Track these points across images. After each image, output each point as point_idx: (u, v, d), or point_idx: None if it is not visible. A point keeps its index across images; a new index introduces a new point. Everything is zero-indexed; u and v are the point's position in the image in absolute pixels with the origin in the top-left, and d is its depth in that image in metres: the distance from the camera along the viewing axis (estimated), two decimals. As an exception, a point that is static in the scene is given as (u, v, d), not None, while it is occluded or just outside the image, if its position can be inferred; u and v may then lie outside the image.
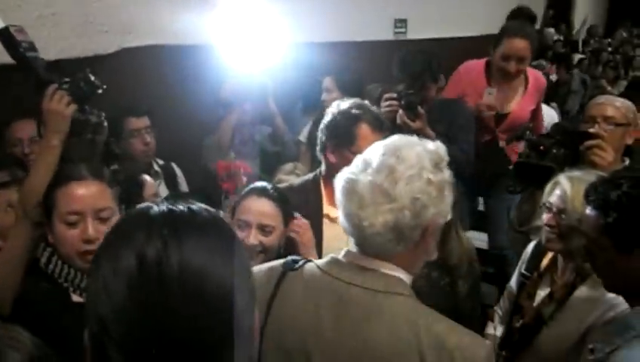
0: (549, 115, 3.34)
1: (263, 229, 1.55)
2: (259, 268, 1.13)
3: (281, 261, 1.13)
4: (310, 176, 1.83)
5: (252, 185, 1.67)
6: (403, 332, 0.95)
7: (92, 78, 1.46)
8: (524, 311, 1.60)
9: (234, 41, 2.53)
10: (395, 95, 2.29)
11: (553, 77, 6.72)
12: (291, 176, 2.16)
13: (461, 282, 1.70)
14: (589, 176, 1.43)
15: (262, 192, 1.61)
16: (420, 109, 2.23)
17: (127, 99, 2.31)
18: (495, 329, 1.78)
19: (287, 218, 1.62)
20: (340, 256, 1.07)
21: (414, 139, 1.06)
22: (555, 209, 1.51)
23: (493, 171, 2.66)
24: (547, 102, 5.92)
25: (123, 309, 0.60)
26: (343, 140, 1.67)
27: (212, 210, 0.70)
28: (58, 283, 1.31)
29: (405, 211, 0.96)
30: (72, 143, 1.39)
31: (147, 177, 1.99)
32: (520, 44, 2.50)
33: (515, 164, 2.41)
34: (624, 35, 11.17)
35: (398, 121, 2.22)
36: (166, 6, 2.64)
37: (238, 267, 0.65)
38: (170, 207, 0.67)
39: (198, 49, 2.72)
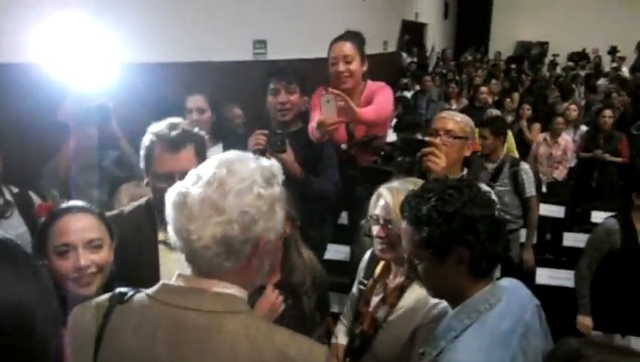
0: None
1: (91, 246, 1.42)
2: (84, 305, 1.06)
3: (107, 295, 1.06)
4: (142, 201, 1.73)
5: (61, 207, 1.50)
6: (244, 348, 0.94)
7: None
8: (362, 318, 1.66)
9: (64, 60, 2.35)
10: (265, 132, 2.29)
11: (409, 94, 7.43)
12: (133, 187, 2.04)
13: (305, 299, 1.72)
14: (408, 186, 1.52)
15: (76, 209, 1.47)
16: (288, 148, 2.25)
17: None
18: (340, 338, 1.82)
19: (111, 231, 1.50)
20: (172, 280, 1.03)
21: (249, 155, 1.06)
22: (381, 220, 1.59)
23: (352, 190, 2.74)
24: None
25: None
26: (146, 162, 1.63)
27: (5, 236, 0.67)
28: None
29: (234, 224, 0.95)
30: None
31: None
32: (343, 45, 2.59)
33: (360, 168, 2.55)
34: (469, 58, 12.50)
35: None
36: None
37: (32, 292, 0.62)
38: None
39: (26, 67, 2.49)
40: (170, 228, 1.01)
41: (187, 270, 1.61)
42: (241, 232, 0.96)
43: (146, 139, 1.62)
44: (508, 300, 1.23)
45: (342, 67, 2.56)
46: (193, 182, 0.99)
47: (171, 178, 1.51)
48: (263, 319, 1.02)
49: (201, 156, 1.62)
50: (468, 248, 1.20)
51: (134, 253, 1.61)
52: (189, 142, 1.61)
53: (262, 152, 2.20)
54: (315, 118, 2.44)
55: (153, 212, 1.67)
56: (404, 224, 1.29)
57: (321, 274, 1.83)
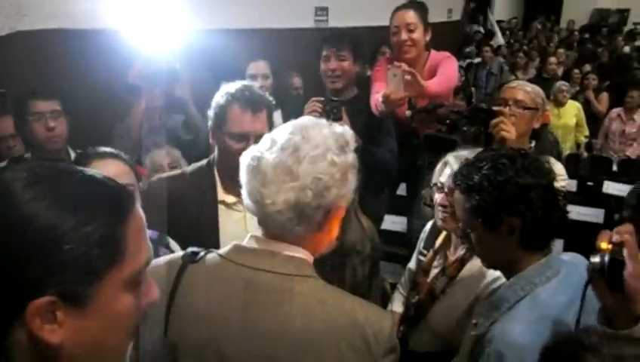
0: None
1: None
2: (156, 262, 1.07)
3: (179, 254, 1.09)
4: (204, 162, 1.77)
5: (90, 151, 1.50)
6: (316, 312, 0.96)
7: None
8: (420, 288, 1.66)
9: (137, 26, 2.43)
10: (321, 99, 2.29)
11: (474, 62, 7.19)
12: (161, 155, 2.17)
13: (360, 264, 1.73)
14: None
15: (106, 154, 1.47)
16: (344, 116, 2.23)
17: (26, 82, 2.19)
18: (395, 306, 1.83)
19: (139, 179, 1.53)
20: (244, 242, 1.04)
21: (323, 121, 1.05)
22: (446, 189, 1.57)
23: (412, 159, 2.71)
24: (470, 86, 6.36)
25: None
26: (218, 121, 1.64)
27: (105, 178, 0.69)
28: None
29: (307, 191, 0.96)
30: None
31: None
32: (406, 14, 2.53)
33: (424, 137, 2.51)
34: (539, 27, 11.85)
35: None
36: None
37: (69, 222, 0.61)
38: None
39: (99, 34, 2.60)
40: (243, 191, 1.02)
41: (247, 230, 1.68)
42: (314, 199, 0.96)
43: (221, 99, 1.64)
44: (567, 274, 1.19)
45: (404, 36, 2.51)
46: (268, 147, 0.99)
47: (246, 138, 1.57)
48: (332, 285, 1.02)
49: (269, 121, 1.65)
50: (520, 217, 1.17)
51: (195, 213, 1.66)
52: (264, 106, 1.64)
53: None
54: (379, 90, 2.41)
55: (214, 172, 1.71)
56: (456, 193, 1.27)
57: (376, 242, 1.83)
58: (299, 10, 4.57)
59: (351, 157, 1.03)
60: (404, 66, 2.30)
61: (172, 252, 1.49)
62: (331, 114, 2.22)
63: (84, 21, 2.58)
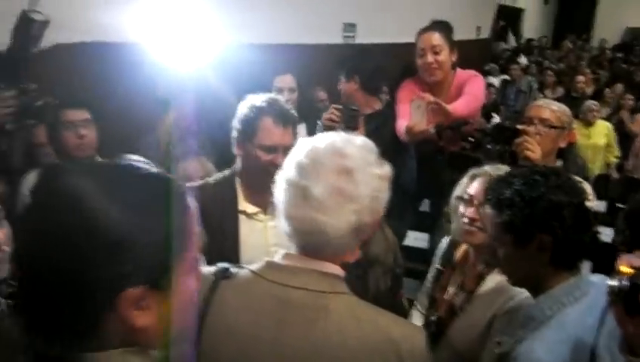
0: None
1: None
2: None
3: (212, 269, 1.07)
4: (226, 172, 1.81)
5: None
6: (351, 329, 0.95)
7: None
8: (438, 304, 1.65)
9: (169, 40, 2.52)
10: (340, 106, 2.35)
11: (496, 80, 7.16)
12: (193, 165, 2.18)
13: (382, 275, 1.72)
14: (501, 171, 1.48)
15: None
16: (360, 125, 2.27)
17: (64, 93, 2.27)
18: (415, 322, 1.81)
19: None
20: (277, 258, 1.04)
21: (343, 135, 1.03)
22: (476, 201, 1.55)
23: (437, 177, 2.70)
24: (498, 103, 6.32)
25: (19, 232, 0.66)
26: (247, 133, 1.66)
27: (162, 174, 0.74)
28: None
29: (366, 210, 0.96)
30: None
31: None
32: (431, 36, 2.53)
33: (448, 154, 2.51)
34: (569, 46, 11.71)
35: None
36: (101, 2, 2.60)
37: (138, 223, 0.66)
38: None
39: (131, 47, 2.69)
40: (282, 215, 1.00)
41: (267, 240, 1.70)
42: (371, 216, 0.97)
43: (250, 111, 1.67)
44: (596, 296, 1.16)
45: (430, 58, 2.51)
46: (307, 171, 0.97)
47: (275, 150, 1.61)
48: (365, 301, 1.01)
49: (294, 135, 1.69)
50: (551, 235, 1.16)
51: (216, 222, 1.67)
52: (292, 119, 1.69)
53: (331, 128, 2.26)
54: (403, 114, 2.44)
55: (235, 182, 1.74)
56: (487, 208, 1.27)
57: (399, 256, 1.83)
58: (327, 25, 4.63)
59: (387, 165, 1.04)
60: (429, 97, 2.31)
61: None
62: (348, 122, 2.26)
63: (117, 34, 2.68)
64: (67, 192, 0.65)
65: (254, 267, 1.04)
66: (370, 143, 1.04)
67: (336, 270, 1.01)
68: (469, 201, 1.58)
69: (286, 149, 1.09)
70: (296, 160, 1.00)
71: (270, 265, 1.03)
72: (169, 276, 0.69)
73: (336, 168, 0.96)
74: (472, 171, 1.61)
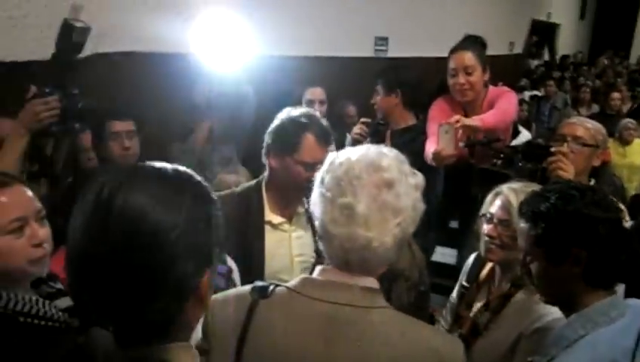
0: (525, 136, 3.38)
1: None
2: (224, 297, 1.07)
3: (247, 288, 1.06)
4: (253, 182, 1.82)
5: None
6: (396, 342, 0.96)
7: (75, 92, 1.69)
8: (462, 321, 1.63)
9: (205, 50, 2.59)
10: (368, 121, 2.39)
11: (527, 96, 7.09)
12: (232, 176, 2.15)
13: (406, 291, 1.72)
14: (530, 189, 1.47)
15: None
16: (387, 139, 2.31)
17: (104, 101, 2.34)
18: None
19: None
20: (315, 274, 1.03)
21: (373, 148, 1.04)
22: (496, 220, 1.55)
23: (466, 192, 2.69)
24: (530, 120, 6.24)
25: (77, 237, 0.69)
26: (286, 146, 1.66)
27: (183, 170, 0.78)
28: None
29: (409, 221, 0.98)
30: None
31: None
32: (464, 55, 2.49)
33: (478, 170, 2.49)
34: (606, 62, 11.47)
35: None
36: (140, 13, 2.69)
37: (187, 220, 0.71)
38: (141, 163, 0.77)
39: (169, 57, 2.77)
40: (322, 233, 1.00)
41: (291, 251, 1.72)
42: (413, 227, 0.99)
43: (291, 124, 1.68)
44: (633, 318, 1.13)
45: (462, 79, 2.48)
46: (346, 187, 0.96)
47: (314, 168, 1.62)
48: (404, 314, 1.02)
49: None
50: (586, 250, 1.14)
51: (242, 232, 1.69)
52: (332, 137, 1.71)
53: (359, 142, 2.29)
54: (432, 133, 2.44)
55: (262, 192, 1.75)
56: (521, 222, 1.26)
57: (424, 273, 1.83)
58: (360, 39, 4.67)
59: (420, 175, 1.04)
60: (456, 122, 2.27)
61: (228, 267, 1.54)
62: (374, 136, 2.29)
63: (155, 44, 2.76)
64: (139, 204, 0.69)
65: (290, 284, 1.03)
66: (399, 154, 1.05)
67: (375, 284, 1.01)
68: (489, 219, 1.57)
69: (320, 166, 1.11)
70: (332, 175, 1.00)
71: (308, 282, 1.02)
72: (215, 260, 0.78)
73: (376, 182, 0.96)
74: (497, 188, 1.60)
